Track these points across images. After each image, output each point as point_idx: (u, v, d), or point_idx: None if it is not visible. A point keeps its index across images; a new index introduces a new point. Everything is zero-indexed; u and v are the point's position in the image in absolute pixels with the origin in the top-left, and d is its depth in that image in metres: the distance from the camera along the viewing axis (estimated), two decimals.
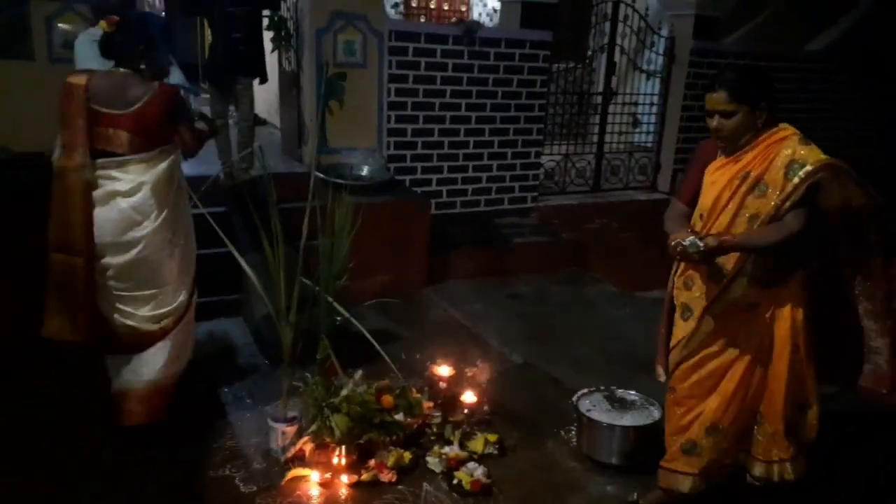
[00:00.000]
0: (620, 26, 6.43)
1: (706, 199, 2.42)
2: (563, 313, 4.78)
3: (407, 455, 2.85)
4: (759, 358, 2.42)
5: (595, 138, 6.73)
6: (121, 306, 2.88)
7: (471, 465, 2.83)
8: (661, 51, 6.72)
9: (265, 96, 6.44)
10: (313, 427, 2.84)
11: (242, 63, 4.89)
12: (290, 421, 2.88)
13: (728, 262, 2.36)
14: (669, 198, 6.69)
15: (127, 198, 2.78)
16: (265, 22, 5.14)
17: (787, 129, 2.31)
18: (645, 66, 6.79)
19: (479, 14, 9.56)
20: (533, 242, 5.60)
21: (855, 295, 2.41)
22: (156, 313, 2.92)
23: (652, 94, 6.88)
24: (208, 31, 6.24)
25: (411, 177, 5.62)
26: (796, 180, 2.19)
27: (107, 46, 2.88)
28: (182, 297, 3.01)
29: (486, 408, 3.32)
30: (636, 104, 6.93)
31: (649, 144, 7.03)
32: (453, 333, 4.22)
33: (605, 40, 6.46)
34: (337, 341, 3.11)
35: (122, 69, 2.85)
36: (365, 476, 2.74)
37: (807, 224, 2.21)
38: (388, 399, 3.01)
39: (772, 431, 2.46)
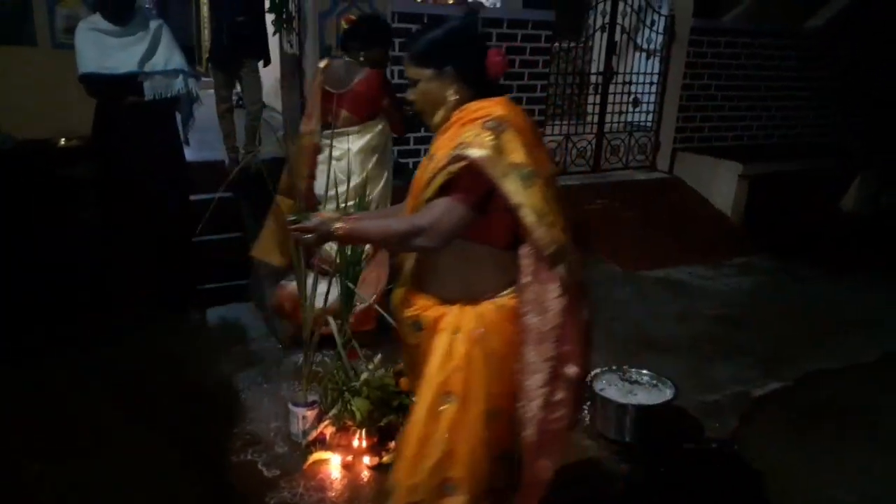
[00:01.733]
0: (621, 4, 6.41)
1: None
2: None
3: None
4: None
5: (595, 118, 6.74)
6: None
7: None
8: (660, 29, 6.71)
9: (265, 79, 6.41)
10: (334, 411, 2.88)
11: (247, 46, 4.87)
12: (310, 405, 2.92)
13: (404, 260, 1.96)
14: (669, 177, 6.79)
15: (337, 161, 3.48)
16: (266, 4, 5.11)
17: (491, 108, 1.73)
18: (644, 45, 6.78)
19: None
20: None
21: None
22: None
23: (651, 74, 6.88)
24: (204, 13, 6.17)
25: (415, 160, 5.61)
26: (441, 164, 1.71)
27: (343, 40, 3.66)
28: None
29: None
30: (633, 83, 6.92)
31: (649, 124, 7.04)
32: None
33: (606, 19, 6.44)
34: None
35: (346, 58, 3.57)
36: (386, 458, 2.78)
37: (443, 222, 1.68)
38: (406, 382, 3.04)
39: None
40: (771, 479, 2.90)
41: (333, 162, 3.48)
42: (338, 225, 1.74)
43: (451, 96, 1.78)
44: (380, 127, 3.60)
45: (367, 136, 3.56)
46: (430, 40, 1.80)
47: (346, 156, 3.48)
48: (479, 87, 1.79)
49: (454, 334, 1.78)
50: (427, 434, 1.77)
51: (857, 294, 5.08)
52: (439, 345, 1.79)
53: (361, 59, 3.53)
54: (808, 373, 3.84)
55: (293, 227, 1.75)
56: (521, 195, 1.64)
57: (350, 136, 3.52)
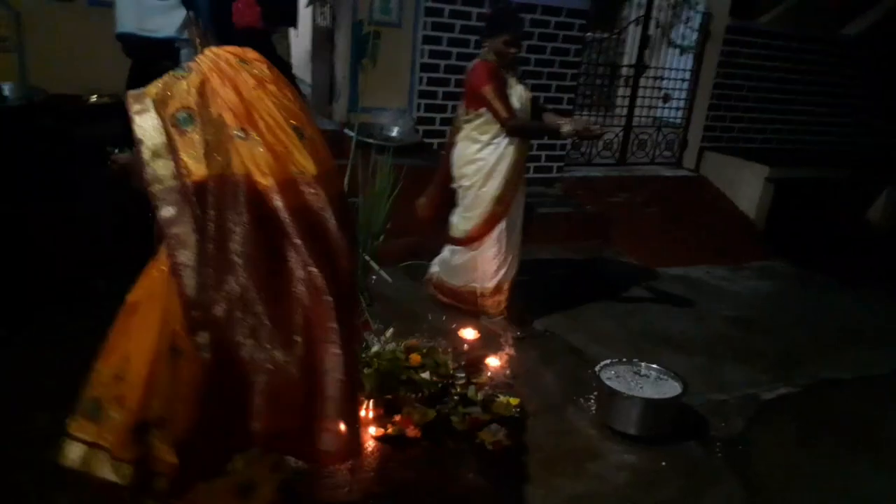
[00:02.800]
0: None
1: None
2: (584, 285, 4.82)
3: (431, 413, 2.91)
4: None
5: (623, 111, 6.69)
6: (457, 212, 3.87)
7: (493, 426, 2.90)
8: (695, 26, 6.64)
9: (296, 51, 6.42)
10: None
11: (274, 14, 4.87)
12: None
13: None
14: (695, 175, 6.73)
15: (454, 145, 3.79)
16: None
17: (204, 55, 1.81)
18: (679, 41, 6.71)
19: None
20: (557, 213, 5.61)
21: None
22: (461, 227, 3.82)
23: (683, 70, 6.82)
24: None
25: (440, 140, 5.61)
26: None
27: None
28: (464, 226, 3.81)
29: (508, 372, 3.39)
30: (664, 79, 6.85)
31: (678, 121, 6.98)
32: None
33: (641, 12, 6.38)
34: (369, 298, 3.17)
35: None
36: (391, 430, 2.81)
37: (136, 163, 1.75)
38: (416, 357, 3.07)
39: None
40: (772, 484, 2.90)
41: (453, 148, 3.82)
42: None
43: (196, 40, 1.86)
44: (478, 121, 3.64)
45: (468, 126, 3.67)
46: None
47: (458, 142, 3.76)
48: (224, 35, 1.86)
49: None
50: (113, 343, 1.81)
51: (874, 306, 5.03)
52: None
53: (485, 48, 3.61)
54: (818, 381, 3.82)
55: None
56: (149, 132, 1.70)
57: (461, 124, 3.73)
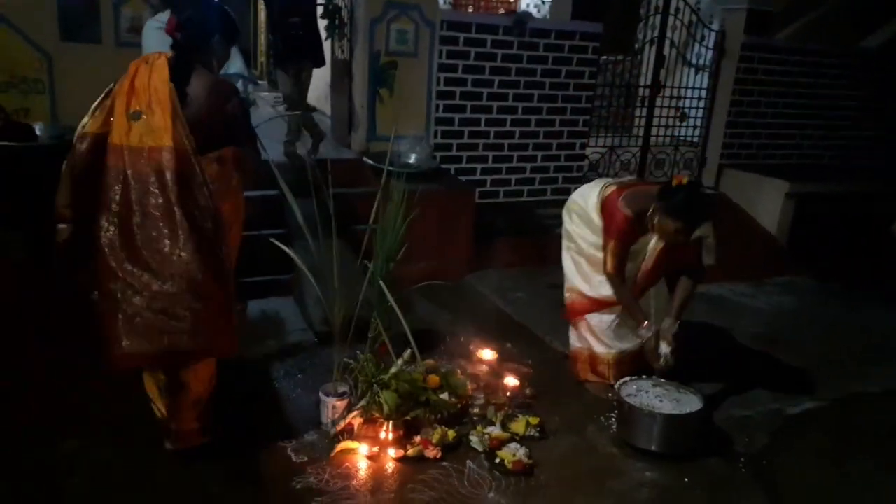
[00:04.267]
0: (671, 19, 6.40)
1: None
2: None
3: (451, 433, 2.94)
4: None
5: (640, 131, 6.72)
6: None
7: (513, 445, 2.91)
8: (710, 45, 6.67)
9: (316, 83, 6.58)
10: (363, 402, 2.95)
11: (303, 48, 5.02)
12: (340, 396, 3.00)
13: None
14: (715, 193, 6.71)
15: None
16: (319, 10, 5.28)
17: None
18: (694, 60, 6.75)
19: (528, 4, 9.57)
20: None
21: None
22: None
23: (699, 89, 6.84)
24: (261, 18, 6.38)
25: (457, 165, 5.70)
26: None
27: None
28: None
29: (527, 391, 3.41)
30: (681, 98, 6.88)
31: (695, 139, 6.99)
32: (495, 320, 4.30)
33: (655, 33, 6.44)
34: (387, 321, 3.21)
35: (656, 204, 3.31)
36: (411, 451, 2.84)
37: None
38: (434, 378, 3.11)
39: None
40: (798, 500, 2.87)
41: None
42: None
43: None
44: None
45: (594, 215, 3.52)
46: None
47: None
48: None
49: None
50: None
51: None
52: None
53: (656, 210, 3.22)
54: (845, 395, 3.77)
55: None
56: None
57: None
